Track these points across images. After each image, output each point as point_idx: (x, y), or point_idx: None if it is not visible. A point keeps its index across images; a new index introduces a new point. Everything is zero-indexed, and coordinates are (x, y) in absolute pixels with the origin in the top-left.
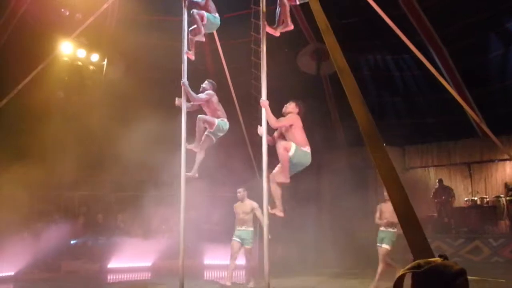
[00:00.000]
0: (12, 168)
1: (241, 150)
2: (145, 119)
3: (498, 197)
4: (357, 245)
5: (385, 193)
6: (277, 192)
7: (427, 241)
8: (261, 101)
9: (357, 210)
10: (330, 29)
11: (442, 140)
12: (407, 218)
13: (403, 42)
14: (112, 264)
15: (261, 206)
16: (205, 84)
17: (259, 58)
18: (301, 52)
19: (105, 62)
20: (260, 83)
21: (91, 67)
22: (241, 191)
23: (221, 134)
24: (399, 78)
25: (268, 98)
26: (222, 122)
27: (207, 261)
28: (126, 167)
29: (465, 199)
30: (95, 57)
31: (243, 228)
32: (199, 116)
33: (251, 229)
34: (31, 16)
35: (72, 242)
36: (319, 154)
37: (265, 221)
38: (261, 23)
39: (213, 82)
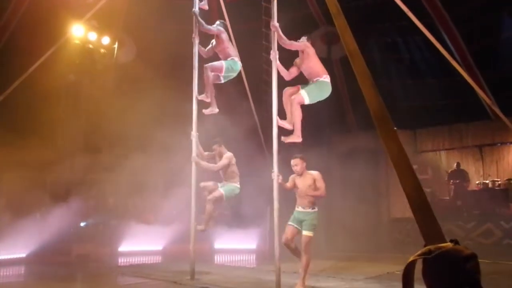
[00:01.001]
0: (23, 150)
1: (252, 136)
2: (157, 102)
3: (509, 180)
4: (368, 228)
5: (293, 167)
6: (296, 116)
7: (439, 226)
8: (271, 24)
9: (367, 193)
10: (340, 12)
11: (454, 122)
12: (418, 203)
13: (413, 23)
14: (123, 247)
15: (271, 195)
16: (216, 25)
17: (270, 42)
18: (312, 35)
19: (115, 46)
20: (271, 68)
21: (102, 50)
22: (216, 147)
23: (233, 75)
24: (410, 60)
25: (279, 82)
26: (231, 62)
27: (218, 245)
28: (137, 150)
29: (477, 182)
30: (106, 40)
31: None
32: (205, 65)
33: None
34: None
35: (82, 224)
36: (330, 137)
37: (275, 205)
38: (272, 6)
39: (224, 22)
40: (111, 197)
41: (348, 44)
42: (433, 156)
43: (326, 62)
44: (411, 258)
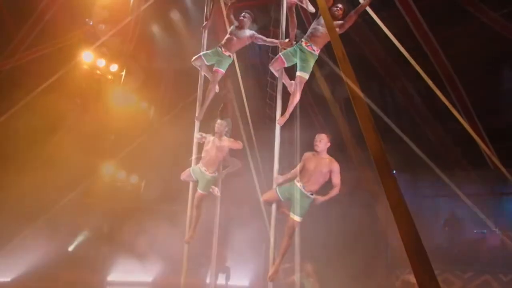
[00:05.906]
0: (21, 172)
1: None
2: (160, 132)
3: (508, 231)
4: (364, 272)
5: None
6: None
7: (435, 275)
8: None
9: (365, 236)
10: (346, 57)
11: (454, 169)
12: (415, 251)
13: (415, 70)
14: (113, 277)
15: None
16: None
17: (274, 78)
18: (316, 75)
19: (123, 73)
20: (275, 103)
21: (110, 77)
22: (221, 126)
23: None
24: (412, 106)
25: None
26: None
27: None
28: (135, 179)
29: (475, 231)
30: (114, 67)
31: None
32: None
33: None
34: (56, 24)
35: (69, 248)
36: None
37: (271, 242)
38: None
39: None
40: (105, 223)
41: (351, 89)
42: (433, 202)
43: (331, 102)
44: None
